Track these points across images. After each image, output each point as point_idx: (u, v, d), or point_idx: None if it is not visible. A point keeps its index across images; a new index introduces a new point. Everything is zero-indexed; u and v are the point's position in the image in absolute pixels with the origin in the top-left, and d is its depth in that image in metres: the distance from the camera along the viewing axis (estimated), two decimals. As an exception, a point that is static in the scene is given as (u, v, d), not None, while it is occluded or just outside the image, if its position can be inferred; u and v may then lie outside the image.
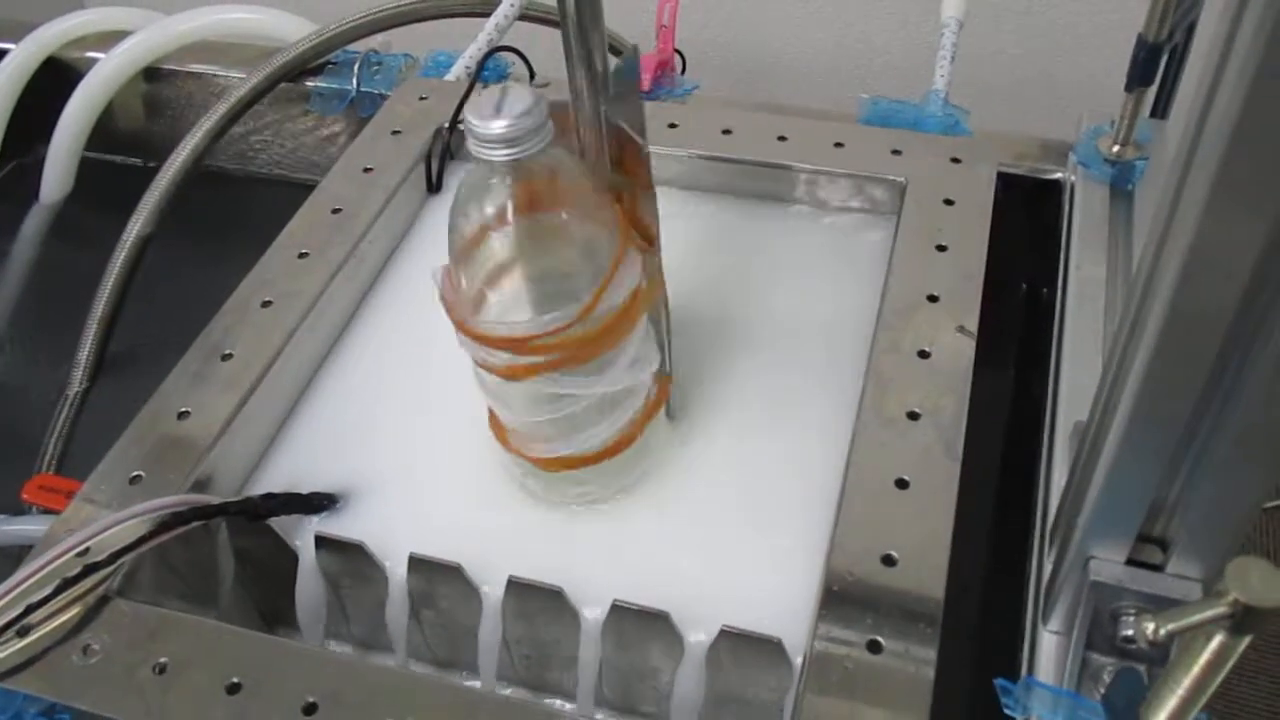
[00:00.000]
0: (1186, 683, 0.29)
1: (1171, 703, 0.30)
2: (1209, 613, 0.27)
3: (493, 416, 0.48)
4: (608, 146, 0.44)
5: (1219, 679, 0.29)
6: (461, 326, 0.43)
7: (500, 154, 0.39)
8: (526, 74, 0.72)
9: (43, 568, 0.43)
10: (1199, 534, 0.36)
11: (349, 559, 0.48)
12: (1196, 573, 0.37)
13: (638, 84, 0.44)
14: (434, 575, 0.47)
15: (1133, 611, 0.36)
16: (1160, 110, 0.62)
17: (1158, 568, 0.37)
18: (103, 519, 0.44)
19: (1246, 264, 0.29)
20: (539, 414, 0.46)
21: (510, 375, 0.43)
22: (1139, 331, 0.32)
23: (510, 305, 0.43)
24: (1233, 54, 0.27)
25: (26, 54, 0.82)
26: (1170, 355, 0.31)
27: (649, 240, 0.45)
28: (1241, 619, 0.27)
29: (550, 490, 0.49)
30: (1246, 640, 0.28)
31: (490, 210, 0.41)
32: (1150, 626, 0.28)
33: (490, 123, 0.38)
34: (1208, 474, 0.34)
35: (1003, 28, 0.91)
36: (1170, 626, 0.28)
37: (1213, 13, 0.34)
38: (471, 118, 0.38)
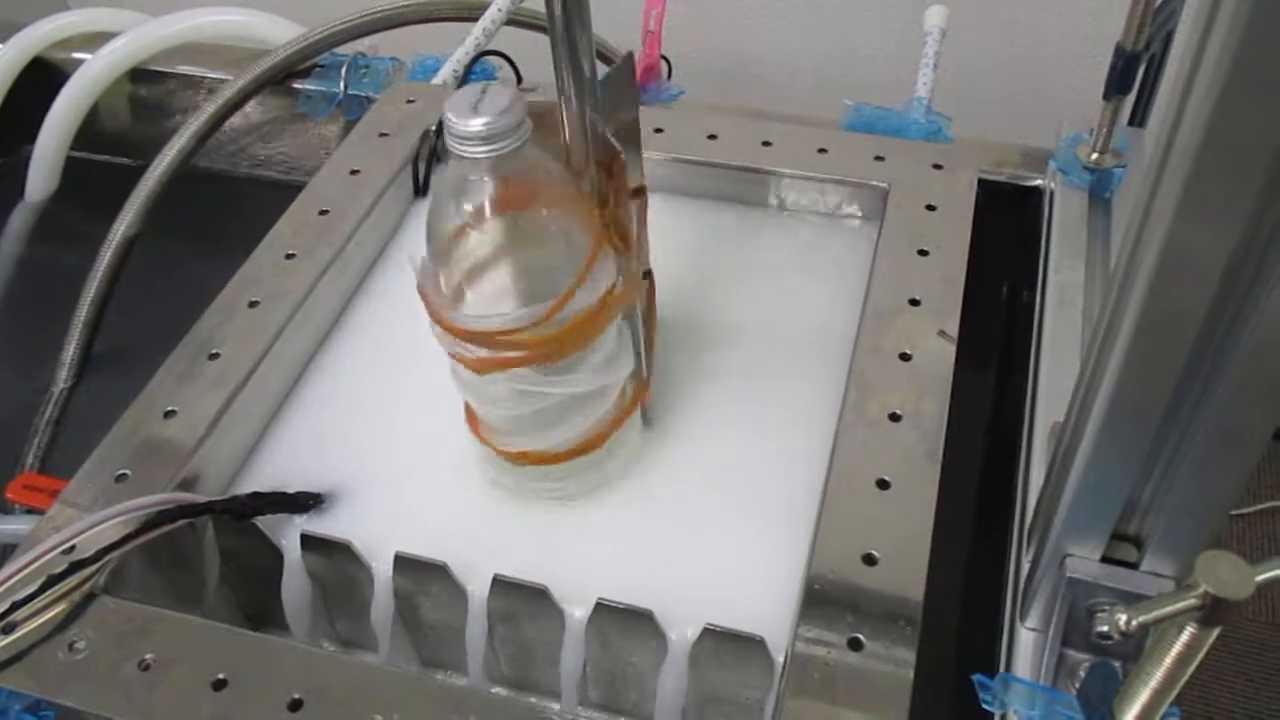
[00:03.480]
0: (1158, 675, 0.30)
1: (1144, 694, 0.30)
2: (1179, 604, 0.28)
3: (468, 409, 0.49)
4: (593, 151, 0.44)
5: (1189, 671, 0.29)
6: (437, 318, 0.44)
7: (478, 151, 0.39)
8: (514, 78, 0.73)
9: (28, 565, 0.43)
10: (1173, 532, 0.36)
11: (335, 558, 0.49)
12: (1170, 570, 0.37)
13: (635, 89, 0.45)
14: (420, 574, 0.47)
15: (1106, 609, 0.37)
16: (1138, 118, 0.63)
17: (1133, 565, 0.38)
18: (88, 517, 0.44)
19: (1217, 266, 0.30)
20: (510, 409, 0.46)
21: (480, 369, 0.44)
22: (1114, 332, 0.33)
23: (489, 302, 0.44)
24: (1203, 62, 0.27)
25: (12, 54, 0.82)
26: (1144, 355, 0.32)
27: (626, 244, 0.46)
28: (1211, 611, 0.28)
29: (521, 487, 0.50)
30: (1216, 632, 0.28)
31: (468, 207, 0.42)
32: (1122, 618, 0.29)
33: (469, 120, 0.39)
34: (1181, 473, 0.35)
35: (985, 37, 0.92)
36: (1142, 618, 0.29)
37: (1188, 23, 0.34)
38: (450, 115, 0.39)
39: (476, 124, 0.39)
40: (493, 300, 0.43)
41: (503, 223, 0.42)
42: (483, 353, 0.43)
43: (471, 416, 0.49)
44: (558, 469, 0.48)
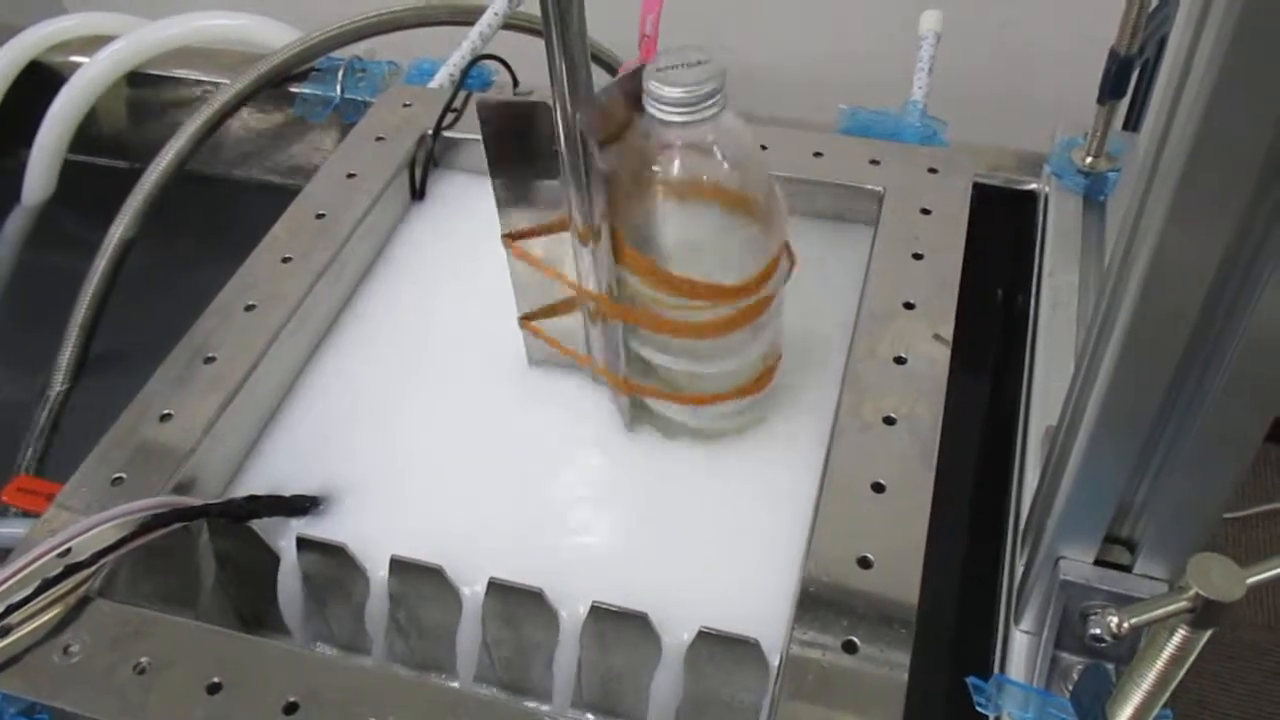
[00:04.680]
0: (1150, 676, 0.30)
1: (1136, 696, 0.30)
2: (1171, 607, 0.28)
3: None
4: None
5: (1182, 673, 0.30)
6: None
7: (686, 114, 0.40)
8: (510, 82, 0.73)
9: (24, 568, 0.43)
10: (1165, 535, 0.36)
11: (330, 561, 0.49)
12: (1163, 573, 0.38)
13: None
14: (415, 577, 0.47)
15: (1099, 611, 0.37)
16: (1132, 123, 0.63)
17: (1126, 568, 0.38)
18: (84, 520, 0.44)
19: (1208, 269, 0.30)
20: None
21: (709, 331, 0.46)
22: (1106, 335, 0.33)
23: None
24: (1193, 67, 0.28)
25: (9, 57, 0.82)
26: (1136, 358, 0.32)
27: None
28: (1202, 613, 0.28)
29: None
30: (1208, 634, 0.29)
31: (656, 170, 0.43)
32: (1114, 620, 0.29)
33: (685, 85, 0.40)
34: (1174, 475, 0.35)
35: (979, 41, 0.93)
36: (1133, 620, 0.29)
37: (1180, 28, 0.35)
38: (656, 83, 0.40)
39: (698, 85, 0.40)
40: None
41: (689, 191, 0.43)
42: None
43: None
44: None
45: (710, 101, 0.42)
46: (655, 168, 0.43)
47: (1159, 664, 0.29)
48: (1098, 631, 0.35)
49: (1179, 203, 0.29)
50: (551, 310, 0.52)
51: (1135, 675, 0.30)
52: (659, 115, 0.42)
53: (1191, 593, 0.27)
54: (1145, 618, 0.29)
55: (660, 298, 0.45)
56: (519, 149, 0.46)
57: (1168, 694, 0.30)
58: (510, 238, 0.51)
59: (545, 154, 0.45)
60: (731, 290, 0.45)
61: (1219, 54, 0.26)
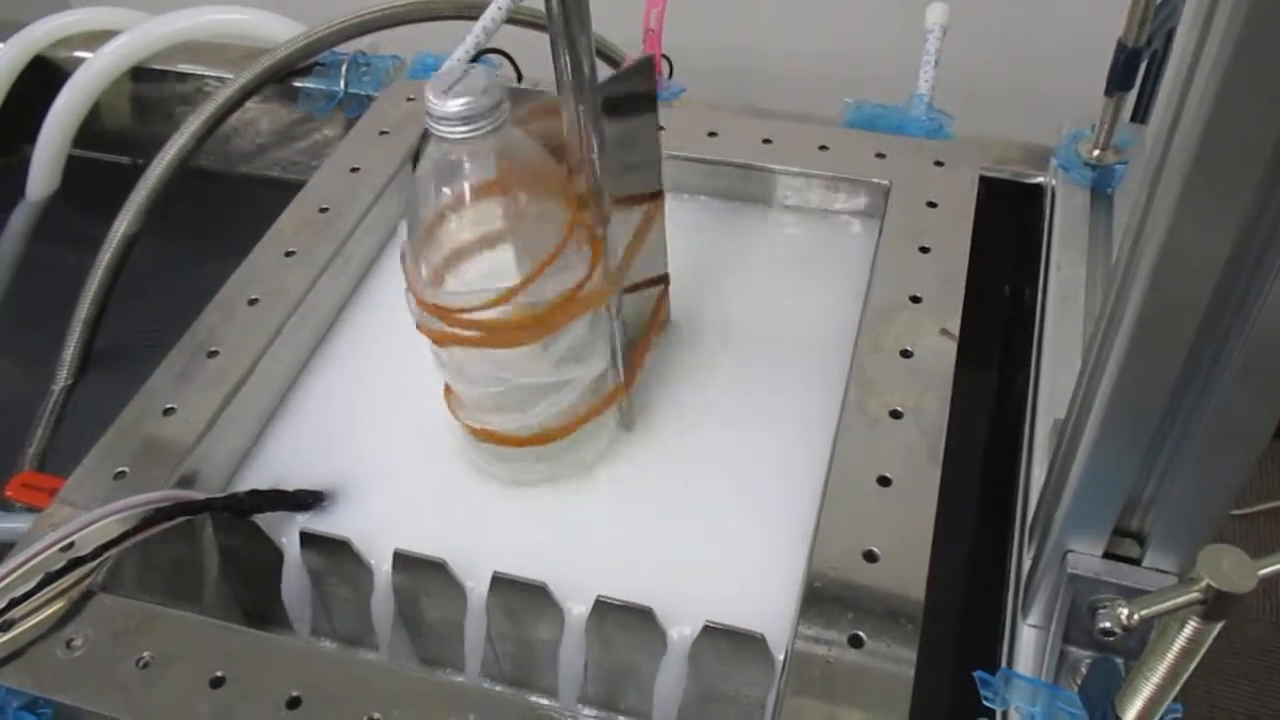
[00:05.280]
0: (1161, 670, 0.30)
1: (1147, 690, 0.30)
2: (1182, 598, 0.28)
3: (446, 387, 0.49)
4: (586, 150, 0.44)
5: (1192, 666, 0.29)
6: (409, 288, 0.44)
7: (456, 131, 0.40)
8: (514, 76, 0.73)
9: (26, 562, 0.43)
10: (1175, 527, 0.36)
11: (334, 556, 0.48)
12: (1172, 566, 0.37)
13: (653, 90, 0.45)
14: (419, 572, 0.47)
15: (1108, 604, 0.37)
16: (1140, 115, 0.63)
17: (1135, 561, 0.38)
18: (87, 514, 0.44)
19: (1217, 260, 0.29)
20: (475, 386, 0.47)
21: (438, 342, 0.45)
22: (1115, 327, 0.33)
23: (468, 285, 0.44)
24: (1202, 57, 0.27)
25: (13, 53, 0.82)
26: (1145, 349, 0.32)
27: (598, 245, 0.46)
28: (1213, 604, 0.28)
29: (488, 464, 0.50)
30: (1219, 626, 0.28)
31: (448, 190, 0.42)
32: (1124, 611, 0.29)
33: (447, 101, 0.39)
34: (1183, 467, 0.34)
35: (986, 34, 0.92)
36: (1144, 612, 0.28)
37: (1189, 20, 0.34)
38: (430, 96, 0.39)
39: (455, 105, 0.39)
40: (472, 285, 0.43)
41: (483, 207, 0.42)
42: (441, 327, 0.44)
43: (448, 389, 0.49)
44: (518, 452, 0.48)
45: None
46: (446, 190, 0.43)
47: (1169, 657, 0.29)
48: (1107, 625, 0.35)
49: (1188, 195, 0.29)
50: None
51: (1145, 669, 0.30)
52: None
53: (1203, 584, 0.27)
54: (1156, 609, 0.28)
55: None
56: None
57: (1178, 688, 0.30)
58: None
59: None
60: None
61: (1228, 44, 0.26)
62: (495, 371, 0.45)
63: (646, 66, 0.45)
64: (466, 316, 0.43)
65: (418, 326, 0.45)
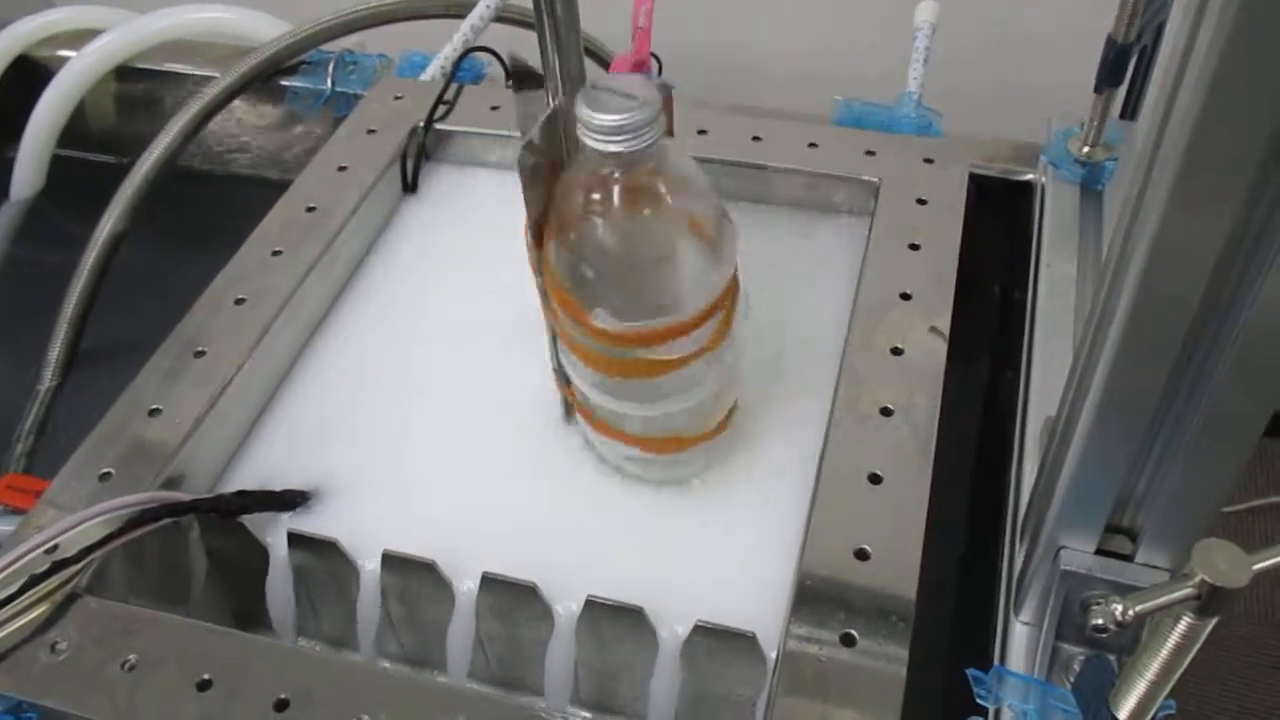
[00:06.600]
0: (1155, 666, 0.29)
1: (1141, 686, 0.30)
2: (1177, 594, 0.28)
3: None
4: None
5: (1186, 662, 0.29)
6: (579, 320, 0.42)
7: (615, 144, 0.37)
8: (503, 75, 0.72)
9: (10, 565, 0.43)
10: (1167, 523, 0.36)
11: (321, 556, 0.48)
12: (1165, 562, 0.37)
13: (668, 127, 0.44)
14: (407, 572, 0.47)
15: (1101, 601, 0.37)
16: (1129, 112, 0.63)
17: (1127, 558, 0.38)
18: (71, 516, 0.44)
19: (1210, 254, 0.29)
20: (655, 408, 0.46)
21: (629, 372, 0.44)
22: (1107, 323, 0.33)
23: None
24: (1194, 51, 0.27)
25: (-3, 52, 0.81)
26: (1137, 345, 0.32)
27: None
28: (1208, 600, 0.27)
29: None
30: (1213, 622, 0.28)
31: (597, 197, 0.40)
32: (1118, 607, 0.29)
33: (607, 114, 0.37)
34: (1175, 463, 0.34)
35: (975, 31, 0.92)
36: (1139, 607, 0.28)
37: (1179, 15, 0.34)
38: (587, 108, 0.37)
39: (615, 118, 0.37)
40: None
41: (638, 222, 0.41)
42: (597, 347, 0.43)
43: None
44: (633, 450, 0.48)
45: (647, 130, 0.39)
46: (595, 196, 0.41)
47: (1163, 653, 0.29)
48: (1100, 621, 0.34)
49: (1180, 188, 0.29)
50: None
51: (1139, 665, 0.30)
52: (594, 144, 0.39)
53: (1197, 579, 0.27)
54: (1151, 604, 0.28)
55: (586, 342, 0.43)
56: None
57: (1171, 684, 0.30)
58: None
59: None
60: (658, 333, 0.42)
61: (1220, 39, 0.26)
62: (609, 400, 0.45)
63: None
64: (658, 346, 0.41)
65: (584, 362, 0.44)
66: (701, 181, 0.43)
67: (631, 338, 0.42)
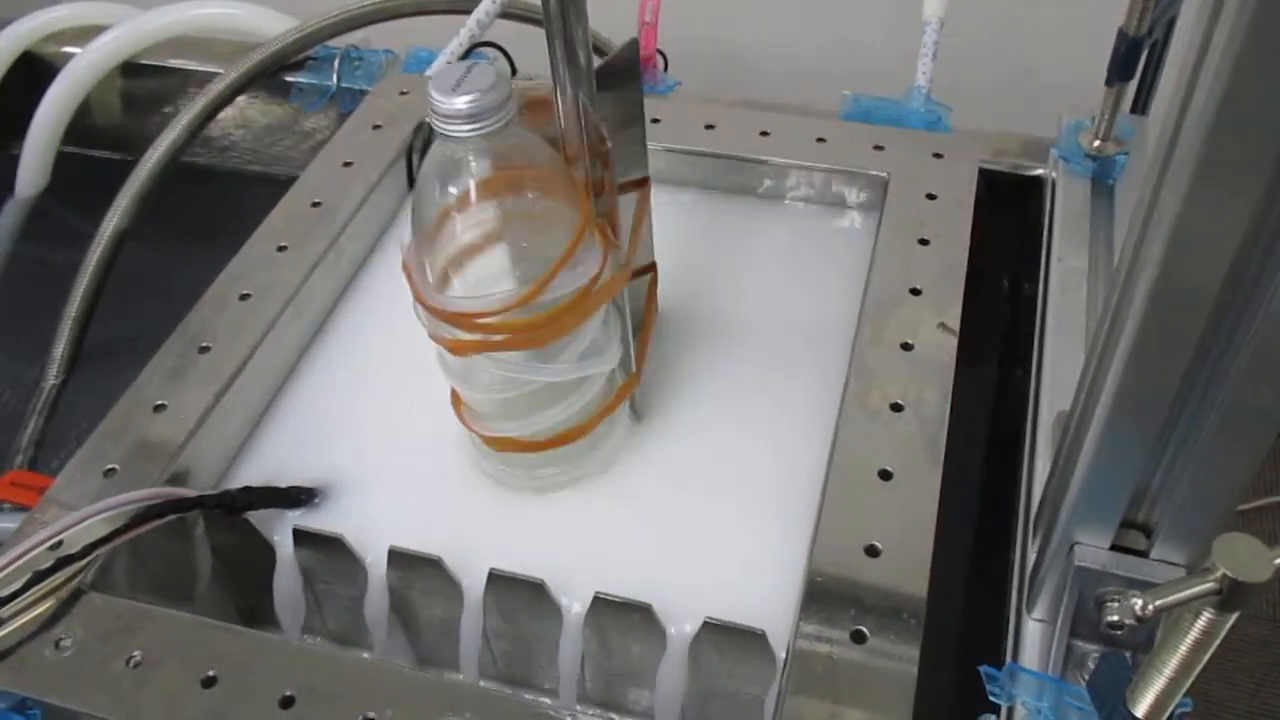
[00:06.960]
0: (1173, 662, 0.29)
1: (1158, 684, 0.30)
2: (1197, 588, 0.27)
3: (454, 393, 0.48)
4: (588, 140, 0.43)
5: (1205, 658, 0.29)
6: (419, 299, 0.43)
7: (463, 130, 0.38)
8: (509, 70, 0.72)
9: (14, 561, 0.42)
10: (1183, 519, 0.36)
11: (327, 553, 0.48)
12: (1181, 558, 0.37)
13: (637, 75, 0.44)
14: (414, 569, 0.47)
15: (1117, 597, 0.36)
16: (1140, 105, 0.62)
17: (1142, 553, 0.37)
18: (75, 513, 0.44)
19: (1229, 246, 0.29)
20: (490, 393, 0.46)
21: (457, 351, 0.43)
22: (1122, 316, 0.32)
23: (474, 288, 0.43)
24: (1212, 43, 0.27)
25: (1, 49, 0.81)
26: (1154, 338, 0.31)
27: (614, 234, 0.45)
28: (1229, 595, 0.27)
29: (503, 474, 0.49)
30: (1233, 617, 0.28)
31: (454, 190, 0.41)
32: (1138, 602, 0.28)
33: (452, 98, 0.38)
34: (1192, 459, 0.34)
35: (984, 26, 0.92)
36: (1159, 602, 0.28)
37: (1192, 8, 0.34)
38: (434, 93, 0.38)
39: (460, 102, 0.38)
40: (477, 286, 0.42)
41: (489, 206, 0.41)
42: (462, 335, 0.42)
43: (457, 400, 0.48)
44: (538, 457, 0.47)
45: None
46: (451, 189, 0.41)
47: (1182, 649, 0.29)
48: (1115, 618, 0.34)
49: (1198, 180, 0.28)
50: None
51: (1158, 662, 0.29)
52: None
53: (1218, 574, 0.27)
54: (1171, 599, 0.28)
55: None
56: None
57: (1190, 680, 0.29)
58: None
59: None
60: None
61: (1238, 34, 0.25)
62: (518, 374, 0.44)
63: (629, 50, 0.45)
64: (491, 321, 0.41)
65: (431, 336, 0.44)
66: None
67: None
